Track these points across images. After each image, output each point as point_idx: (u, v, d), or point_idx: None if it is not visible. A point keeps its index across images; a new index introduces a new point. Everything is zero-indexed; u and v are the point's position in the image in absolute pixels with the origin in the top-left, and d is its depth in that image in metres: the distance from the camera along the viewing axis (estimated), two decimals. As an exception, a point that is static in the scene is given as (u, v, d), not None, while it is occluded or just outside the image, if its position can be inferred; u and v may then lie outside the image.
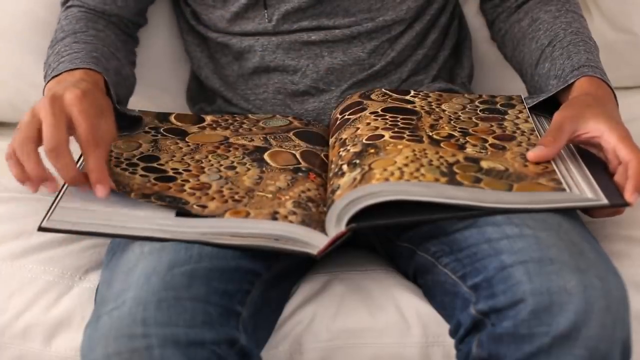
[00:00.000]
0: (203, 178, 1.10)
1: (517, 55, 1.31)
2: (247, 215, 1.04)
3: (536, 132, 1.14)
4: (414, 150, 1.08)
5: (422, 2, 1.29)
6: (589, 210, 1.10)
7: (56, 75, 1.14)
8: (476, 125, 1.16)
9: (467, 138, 1.12)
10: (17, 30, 1.40)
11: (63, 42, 1.21)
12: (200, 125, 1.21)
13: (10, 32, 1.40)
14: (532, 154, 1.08)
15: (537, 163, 1.07)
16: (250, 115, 1.25)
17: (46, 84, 1.16)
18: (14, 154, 1.03)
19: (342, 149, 1.13)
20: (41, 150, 1.03)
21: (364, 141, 1.11)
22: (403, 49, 1.29)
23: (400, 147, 1.09)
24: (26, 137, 1.02)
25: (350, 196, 1.01)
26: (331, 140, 1.18)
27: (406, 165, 1.05)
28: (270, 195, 1.07)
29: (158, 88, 1.43)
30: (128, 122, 1.19)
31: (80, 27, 1.24)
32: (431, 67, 1.32)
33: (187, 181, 1.09)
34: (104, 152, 1.04)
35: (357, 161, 1.08)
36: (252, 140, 1.17)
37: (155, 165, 1.12)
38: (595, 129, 1.08)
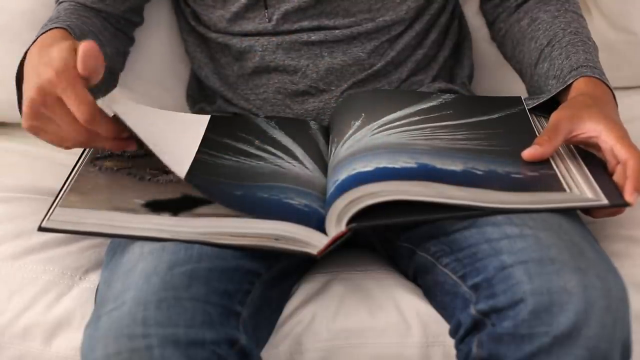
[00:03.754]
0: None
1: (517, 55, 1.31)
2: None
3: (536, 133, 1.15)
4: None
5: (422, 2, 1.29)
6: (589, 211, 1.10)
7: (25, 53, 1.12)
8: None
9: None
10: (17, 30, 1.40)
11: (45, 27, 1.20)
12: None
13: (10, 32, 1.40)
14: (526, 153, 1.08)
15: (533, 163, 1.07)
16: None
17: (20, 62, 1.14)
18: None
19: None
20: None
21: None
22: (403, 49, 1.29)
23: None
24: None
25: (350, 196, 1.01)
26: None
27: None
28: None
29: (158, 88, 1.43)
30: None
31: (66, 14, 1.23)
32: (431, 67, 1.32)
33: None
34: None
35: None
36: None
37: None
38: (592, 129, 1.08)
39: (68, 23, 1.18)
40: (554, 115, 1.10)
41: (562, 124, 1.08)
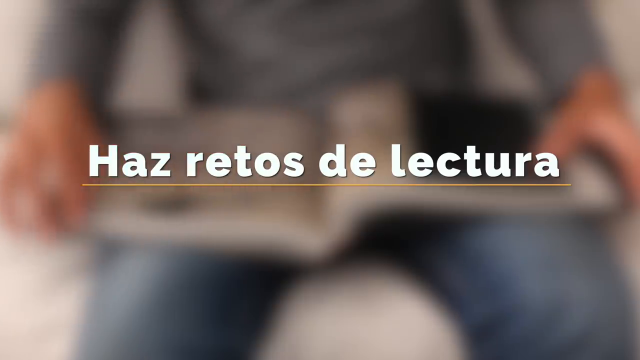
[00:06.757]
0: None
1: (525, 48, 1.29)
2: None
3: None
4: None
5: (423, -5, 1.28)
6: (599, 212, 1.08)
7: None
8: None
9: None
10: (17, 30, 1.40)
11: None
12: None
13: (9, 32, 1.41)
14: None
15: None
16: None
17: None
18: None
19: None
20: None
21: None
22: (405, 45, 1.27)
23: None
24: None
25: (353, 196, 1.01)
26: None
27: None
28: None
29: (153, 88, 1.43)
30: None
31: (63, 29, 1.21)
32: (433, 65, 1.31)
33: None
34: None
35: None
36: None
37: None
38: (603, 129, 1.07)
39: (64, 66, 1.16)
40: (564, 114, 1.10)
41: (573, 124, 1.08)
